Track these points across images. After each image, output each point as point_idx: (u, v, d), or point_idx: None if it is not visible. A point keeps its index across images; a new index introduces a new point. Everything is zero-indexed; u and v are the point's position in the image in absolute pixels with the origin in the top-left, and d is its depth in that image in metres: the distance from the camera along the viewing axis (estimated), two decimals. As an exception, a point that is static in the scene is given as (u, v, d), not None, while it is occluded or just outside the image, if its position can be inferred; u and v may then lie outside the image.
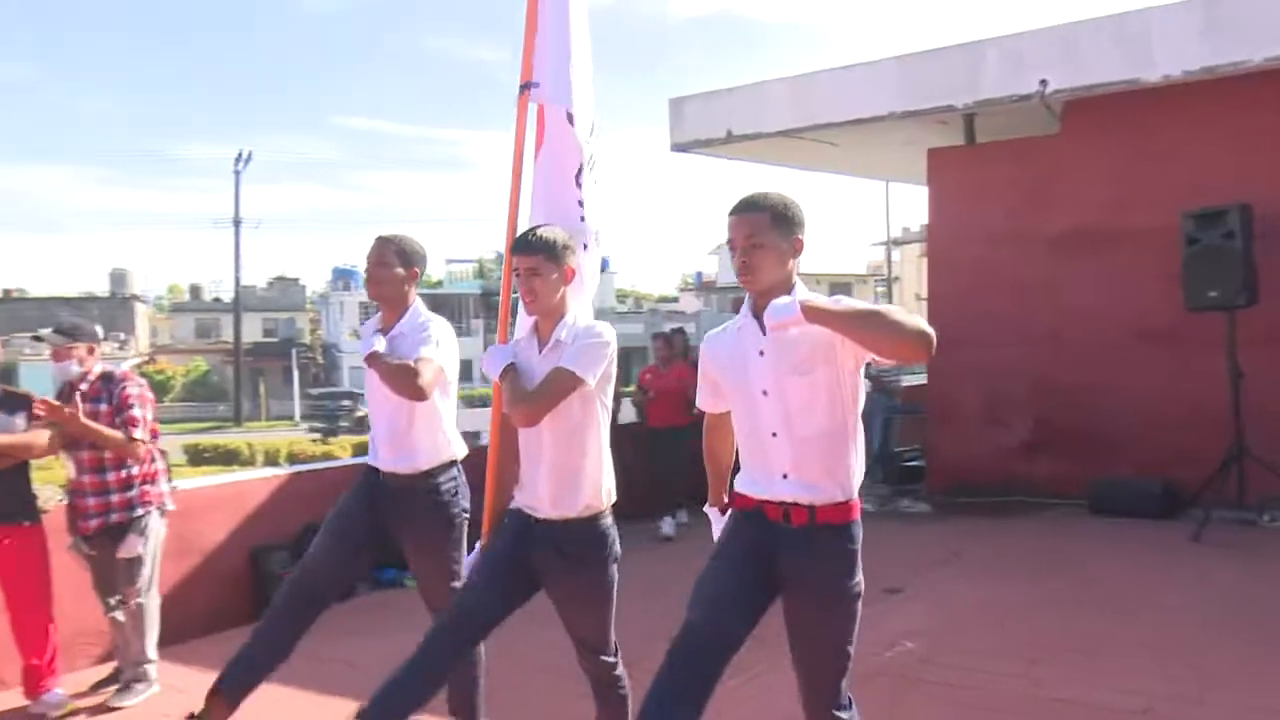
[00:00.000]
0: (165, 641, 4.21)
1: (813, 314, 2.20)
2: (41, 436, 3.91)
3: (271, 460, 18.70)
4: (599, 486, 2.83)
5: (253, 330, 44.76)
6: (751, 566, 2.39)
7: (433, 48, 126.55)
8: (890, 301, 38.62)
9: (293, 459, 17.67)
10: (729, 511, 2.54)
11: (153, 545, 4.10)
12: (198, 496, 5.34)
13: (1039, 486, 7.71)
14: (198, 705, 3.15)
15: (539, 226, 2.87)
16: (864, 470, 2.46)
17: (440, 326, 3.21)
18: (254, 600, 5.43)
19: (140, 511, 4.04)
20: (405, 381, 3.00)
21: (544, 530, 2.81)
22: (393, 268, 3.24)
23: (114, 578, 4.07)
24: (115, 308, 45.28)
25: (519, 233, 2.93)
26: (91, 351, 4.08)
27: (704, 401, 2.65)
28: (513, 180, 3.06)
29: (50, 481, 4.62)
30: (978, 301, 8.14)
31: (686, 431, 6.43)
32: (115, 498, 4.01)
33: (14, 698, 4.04)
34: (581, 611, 2.88)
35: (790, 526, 2.37)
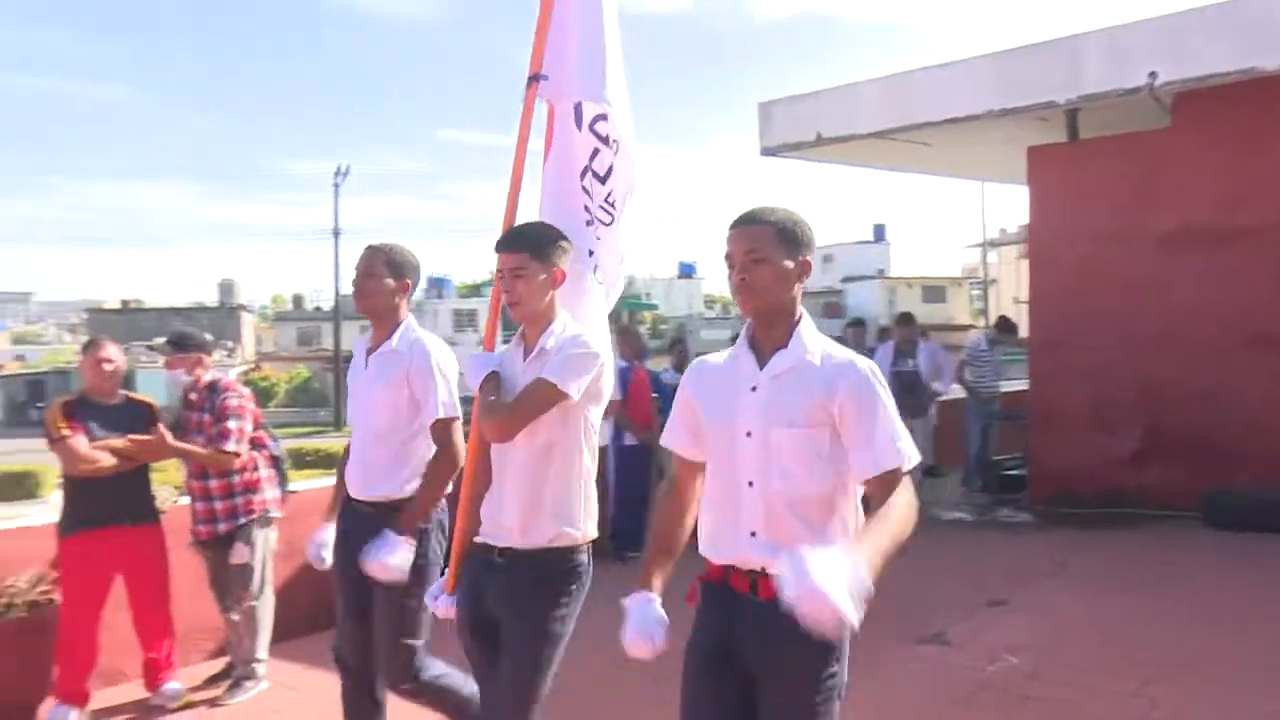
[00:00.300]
0: (274, 638, 4.37)
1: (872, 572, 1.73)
2: (158, 441, 4.10)
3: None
4: (576, 517, 2.50)
5: (351, 338, 46.19)
6: (725, 685, 2.06)
7: (520, 59, 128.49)
8: (986, 304, 37.53)
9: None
10: (698, 586, 2.13)
11: (261, 551, 4.26)
12: (302, 500, 5.50)
13: (1148, 496, 7.38)
14: (304, 701, 3.23)
15: (527, 223, 2.65)
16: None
17: (439, 350, 2.99)
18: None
19: (244, 520, 4.20)
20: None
21: (505, 562, 2.50)
22: (382, 279, 3.00)
23: (228, 580, 4.25)
24: (223, 317, 47.35)
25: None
26: (200, 361, 4.26)
27: (677, 439, 2.19)
28: (513, 178, 2.75)
29: (166, 483, 4.85)
30: (1082, 302, 7.85)
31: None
32: (219, 505, 4.17)
33: (134, 690, 4.25)
34: (504, 658, 2.49)
35: (757, 600, 2.00)
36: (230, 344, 43.01)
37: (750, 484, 2.03)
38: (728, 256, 2.08)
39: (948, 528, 7.65)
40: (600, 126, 2.79)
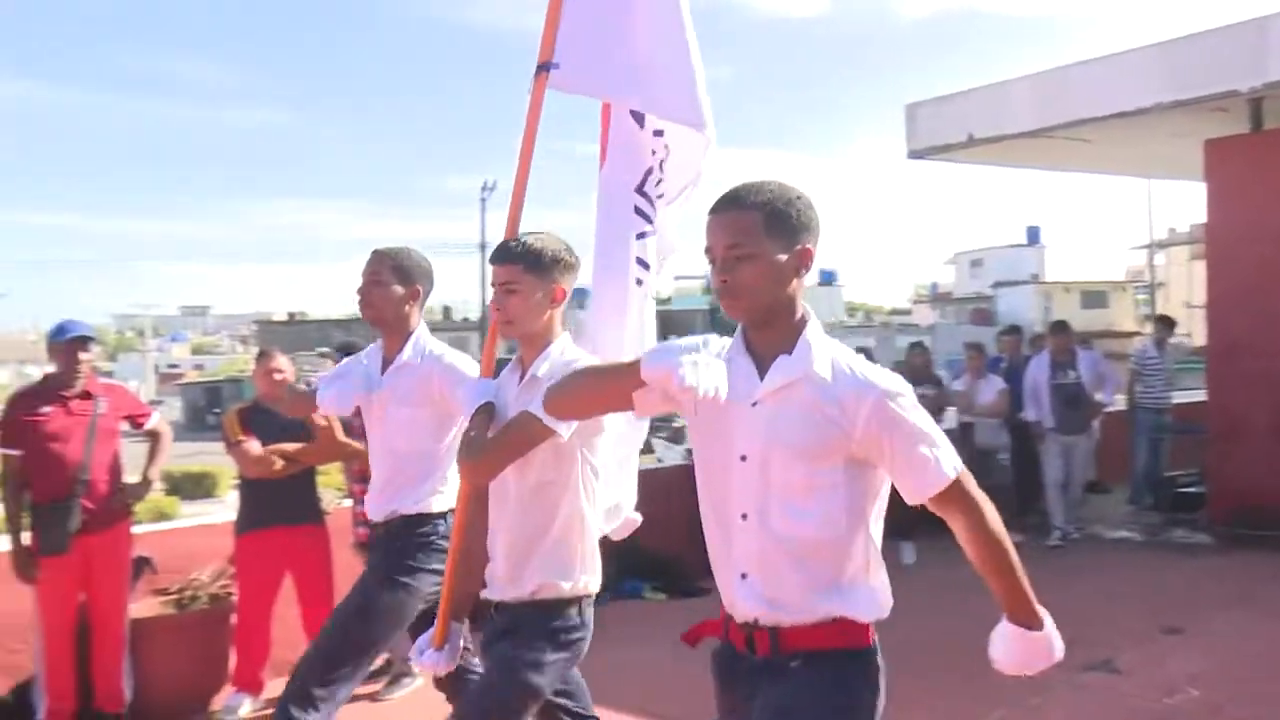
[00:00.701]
0: (428, 638, 4.52)
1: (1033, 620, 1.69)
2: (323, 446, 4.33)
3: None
4: (568, 568, 2.24)
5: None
6: None
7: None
8: (1153, 309, 35.24)
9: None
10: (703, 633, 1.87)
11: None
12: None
13: (1348, 518, 6.71)
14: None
15: (529, 234, 2.34)
16: (880, 591, 1.76)
17: (458, 358, 2.79)
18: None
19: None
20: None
21: (499, 619, 2.29)
22: (389, 285, 2.80)
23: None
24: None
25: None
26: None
27: (640, 402, 1.81)
28: (517, 179, 2.44)
29: (330, 486, 5.11)
30: (1267, 304, 7.23)
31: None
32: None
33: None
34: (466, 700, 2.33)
35: (755, 659, 1.72)
36: (385, 354, 44.86)
37: (744, 517, 1.70)
38: (707, 250, 1.74)
39: (1113, 547, 7.20)
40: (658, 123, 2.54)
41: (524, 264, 2.24)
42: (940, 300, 50.15)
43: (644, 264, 2.52)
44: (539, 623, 2.24)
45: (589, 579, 2.30)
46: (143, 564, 4.30)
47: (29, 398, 4.01)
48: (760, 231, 1.67)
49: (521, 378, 2.30)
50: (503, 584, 2.27)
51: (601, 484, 2.31)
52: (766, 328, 1.72)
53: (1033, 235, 47.30)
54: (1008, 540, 1.70)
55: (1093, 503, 8.10)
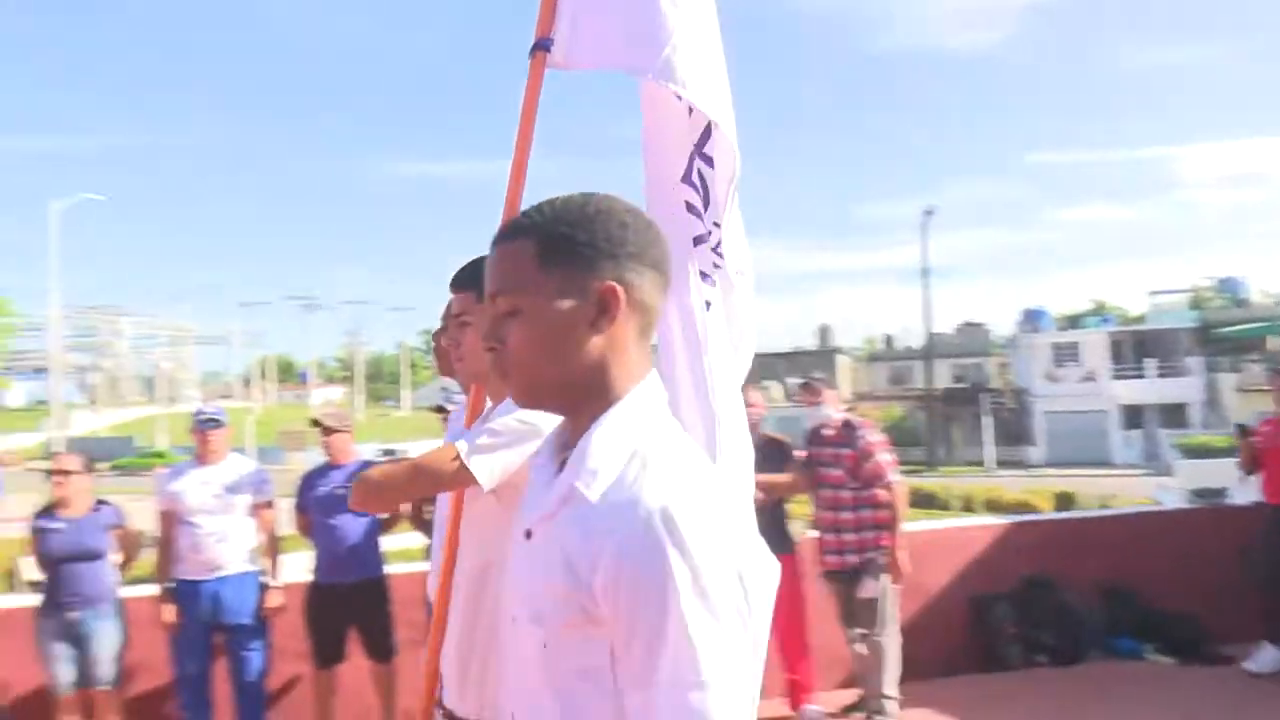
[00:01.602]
0: (903, 678, 4.39)
1: None
2: (793, 477, 4.45)
3: (967, 506, 18.78)
4: None
5: (944, 377, 45.99)
6: None
7: (1134, 65, 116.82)
8: None
9: (991, 506, 17.50)
10: None
11: (888, 587, 4.33)
12: (918, 539, 5.52)
13: None
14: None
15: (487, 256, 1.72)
16: None
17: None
18: (976, 650, 5.40)
19: (872, 554, 4.30)
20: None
21: None
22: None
23: (855, 612, 4.40)
24: (821, 360, 50.67)
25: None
26: (832, 400, 4.53)
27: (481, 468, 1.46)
28: (512, 173, 1.96)
29: (797, 516, 5.23)
30: None
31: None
32: (849, 538, 4.34)
33: (777, 706, 4.58)
34: None
35: None
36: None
37: (511, 715, 1.14)
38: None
39: None
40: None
41: (478, 293, 1.69)
42: None
43: (707, 277, 1.88)
44: None
45: None
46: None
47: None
48: (533, 268, 1.10)
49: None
50: (450, 689, 1.76)
51: None
52: (574, 415, 1.13)
53: None
54: None
55: None
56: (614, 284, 1.09)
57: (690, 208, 1.88)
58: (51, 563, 4.02)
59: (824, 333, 55.34)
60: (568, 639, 1.01)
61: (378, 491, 1.80)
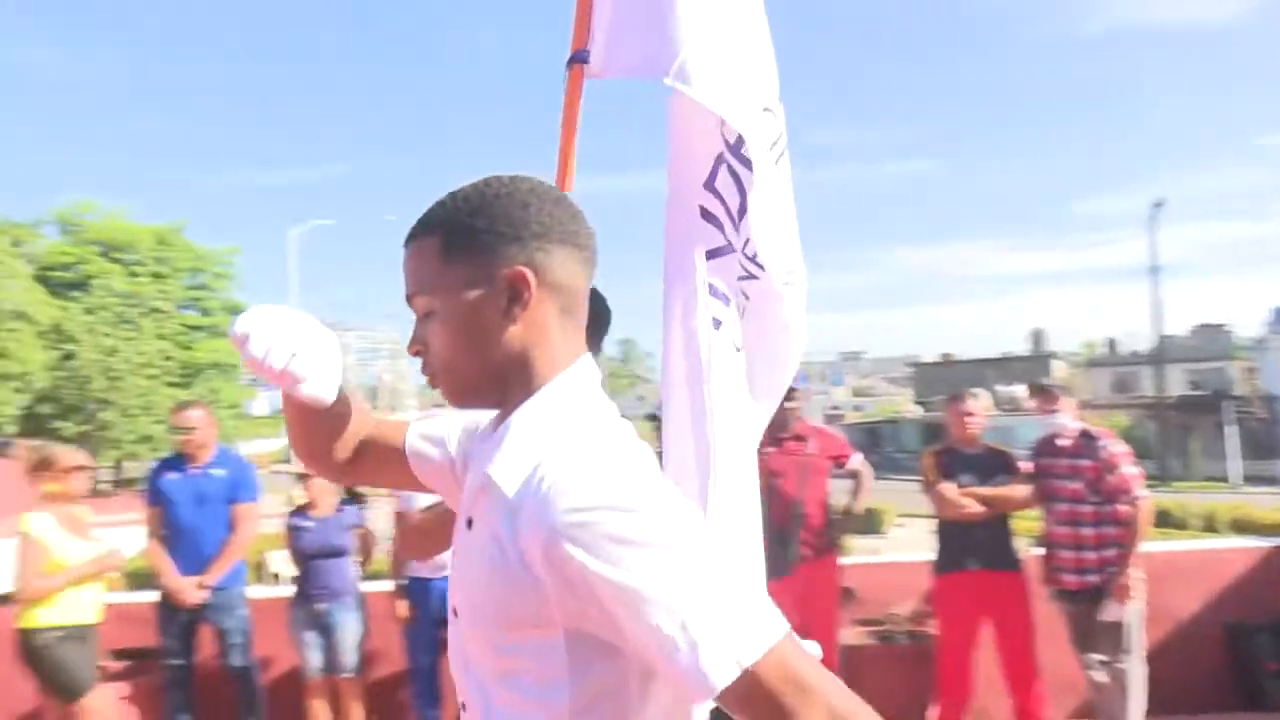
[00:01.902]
0: (1148, 711, 4.03)
1: None
2: (1021, 490, 4.18)
3: (1209, 525, 17.07)
4: None
5: (1177, 383, 42.21)
6: None
7: None
8: None
9: (1238, 526, 15.83)
10: None
11: (1134, 610, 3.98)
12: (1163, 561, 5.06)
13: None
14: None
15: None
16: None
17: None
18: (1233, 684, 4.88)
19: (1114, 573, 3.96)
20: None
21: None
22: None
23: (1093, 636, 4.07)
24: (1034, 365, 47.68)
25: None
26: (1069, 407, 4.22)
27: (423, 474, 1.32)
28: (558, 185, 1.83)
29: (1022, 532, 4.92)
30: None
31: None
32: (1090, 555, 4.02)
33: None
34: None
35: None
36: (1042, 392, 42.96)
37: (463, 708, 1.10)
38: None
39: None
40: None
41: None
42: None
43: (721, 295, 1.69)
44: None
45: None
46: (846, 594, 4.60)
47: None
48: (439, 264, 1.07)
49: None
50: None
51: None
52: (505, 408, 1.10)
53: None
54: None
55: None
56: (521, 268, 1.05)
57: (707, 215, 1.72)
58: (303, 558, 4.40)
59: (1037, 337, 52.10)
60: (499, 642, 1.00)
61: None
